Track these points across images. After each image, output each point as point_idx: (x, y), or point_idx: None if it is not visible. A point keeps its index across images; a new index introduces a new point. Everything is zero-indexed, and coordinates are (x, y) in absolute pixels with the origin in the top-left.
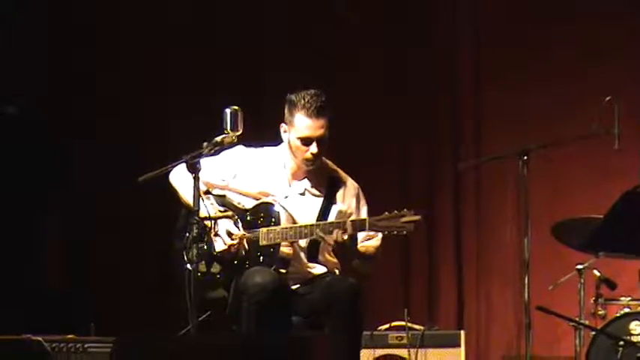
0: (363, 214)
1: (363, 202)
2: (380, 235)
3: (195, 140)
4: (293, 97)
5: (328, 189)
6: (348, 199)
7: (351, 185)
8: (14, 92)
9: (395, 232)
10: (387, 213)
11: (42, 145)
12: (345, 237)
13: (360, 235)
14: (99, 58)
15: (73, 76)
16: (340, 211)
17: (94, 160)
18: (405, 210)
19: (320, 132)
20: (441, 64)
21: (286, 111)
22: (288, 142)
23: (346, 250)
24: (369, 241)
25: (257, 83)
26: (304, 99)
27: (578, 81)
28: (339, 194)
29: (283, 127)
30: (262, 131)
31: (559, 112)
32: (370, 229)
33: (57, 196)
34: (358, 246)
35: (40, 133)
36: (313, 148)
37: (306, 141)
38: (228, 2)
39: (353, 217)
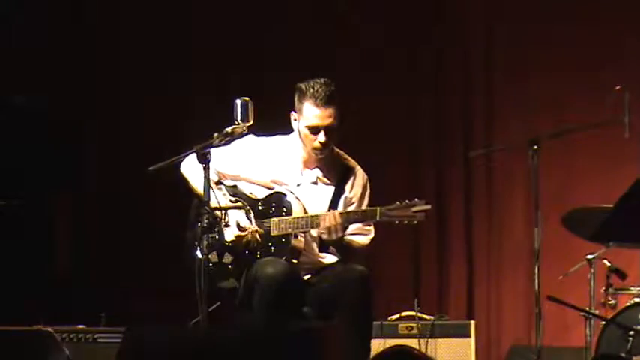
0: (364, 205)
1: (367, 194)
2: (372, 234)
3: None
4: (302, 85)
5: (339, 178)
6: (356, 188)
7: (361, 175)
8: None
9: (406, 222)
10: (398, 203)
11: (50, 139)
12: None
13: (353, 227)
14: (99, 58)
15: (75, 72)
16: (346, 198)
17: (104, 151)
18: (415, 199)
19: (328, 121)
20: (452, 55)
21: (296, 99)
22: (298, 131)
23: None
24: (356, 236)
25: (257, 83)
26: (313, 88)
27: (588, 70)
28: (348, 184)
29: (293, 115)
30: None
31: (569, 101)
32: (381, 219)
33: (67, 188)
34: (345, 236)
35: (47, 127)
36: (321, 137)
37: (314, 130)
38: (228, 2)
39: (355, 206)
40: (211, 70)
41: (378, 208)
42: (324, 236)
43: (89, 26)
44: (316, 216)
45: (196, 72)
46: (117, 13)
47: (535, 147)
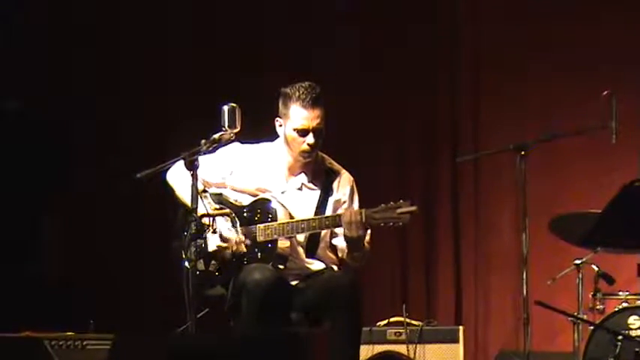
0: (355, 205)
1: (356, 193)
2: (369, 230)
3: (194, 139)
4: (287, 90)
5: (325, 182)
6: (343, 188)
7: (347, 176)
8: (13, 91)
9: (391, 224)
10: (383, 205)
11: (42, 143)
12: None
13: None
14: (98, 58)
15: (73, 74)
16: (336, 201)
17: (94, 159)
18: (400, 201)
19: (316, 122)
20: (441, 57)
21: (280, 104)
22: (284, 136)
23: (357, 241)
24: None
25: (257, 83)
26: (299, 91)
27: (576, 75)
28: (335, 184)
29: (278, 121)
30: (260, 132)
31: (558, 106)
32: (367, 221)
33: (58, 193)
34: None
35: (41, 130)
36: (310, 139)
37: (302, 132)
38: (228, 2)
39: (346, 206)
40: (212, 70)
41: (363, 210)
42: (346, 232)
43: (89, 26)
44: (302, 221)
45: (197, 73)
46: (117, 13)
47: (522, 152)
